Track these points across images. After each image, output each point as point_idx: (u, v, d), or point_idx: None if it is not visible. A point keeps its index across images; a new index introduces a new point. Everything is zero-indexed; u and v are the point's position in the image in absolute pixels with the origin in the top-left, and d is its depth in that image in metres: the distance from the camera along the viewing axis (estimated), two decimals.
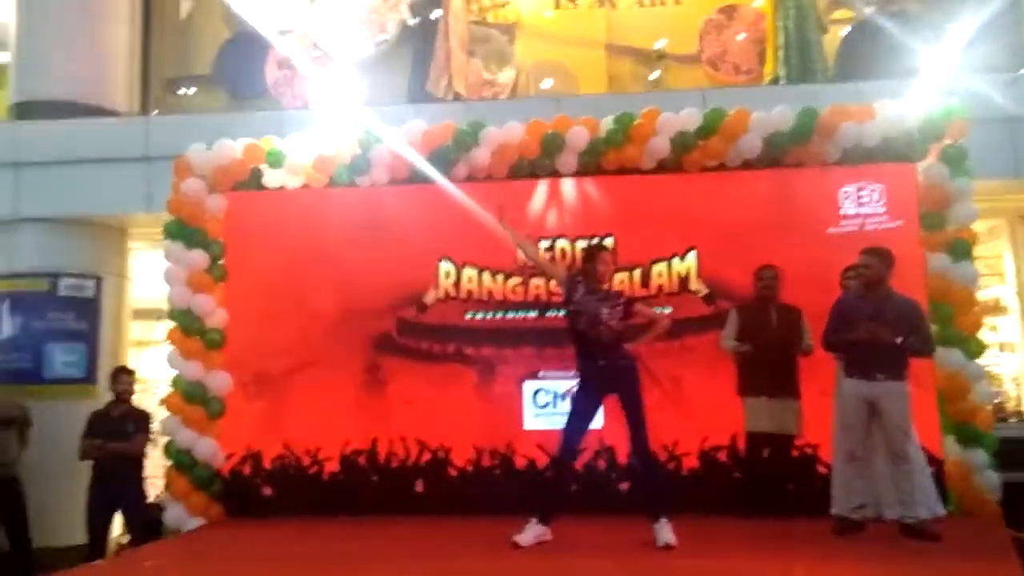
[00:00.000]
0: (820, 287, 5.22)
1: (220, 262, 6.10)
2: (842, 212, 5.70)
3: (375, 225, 6.03)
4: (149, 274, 7.29)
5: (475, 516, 5.31)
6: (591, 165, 5.93)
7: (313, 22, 8.69)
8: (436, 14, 8.12)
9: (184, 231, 6.06)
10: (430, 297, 5.94)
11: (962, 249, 5.51)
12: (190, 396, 5.85)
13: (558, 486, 4.69)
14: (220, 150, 6.10)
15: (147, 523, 5.91)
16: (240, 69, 8.74)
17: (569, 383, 4.84)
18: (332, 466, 5.83)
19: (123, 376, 6.13)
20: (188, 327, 5.94)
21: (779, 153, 5.77)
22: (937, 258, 5.51)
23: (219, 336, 5.97)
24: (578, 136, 5.84)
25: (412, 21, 8.48)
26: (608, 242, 5.73)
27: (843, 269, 5.17)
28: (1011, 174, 6.37)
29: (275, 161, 6.09)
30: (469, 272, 5.93)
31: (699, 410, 5.57)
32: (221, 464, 5.87)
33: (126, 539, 6.34)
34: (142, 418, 6.02)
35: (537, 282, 5.87)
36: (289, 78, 8.63)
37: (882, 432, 4.57)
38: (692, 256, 5.80)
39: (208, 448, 5.83)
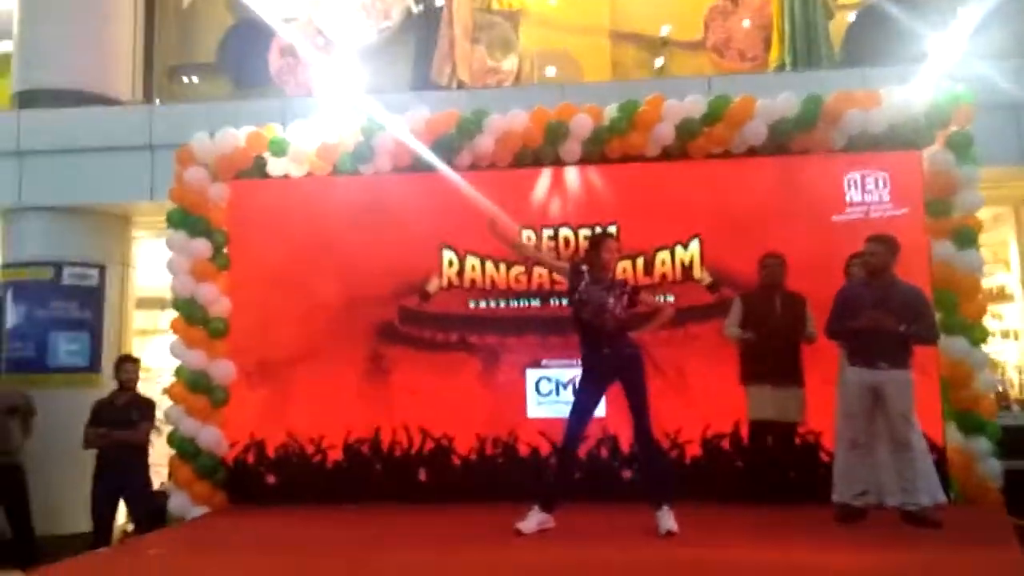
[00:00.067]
0: (825, 275, 5.20)
1: (223, 251, 6.10)
2: (847, 200, 5.68)
3: (378, 213, 6.01)
4: (152, 263, 7.31)
5: (478, 504, 5.32)
6: (595, 153, 5.91)
7: (316, 9, 8.65)
8: (440, 1, 8.08)
9: (187, 220, 6.06)
10: (433, 286, 5.94)
11: (967, 237, 5.49)
12: (194, 385, 5.87)
13: (561, 474, 4.70)
14: (223, 139, 6.09)
15: (151, 511, 5.94)
16: (243, 57, 8.72)
17: (572, 371, 4.83)
18: (336, 454, 5.85)
19: (127, 365, 6.14)
20: (191, 316, 5.95)
21: (784, 140, 5.74)
22: (942, 245, 5.49)
23: (222, 325, 5.98)
24: (582, 124, 5.81)
25: (416, 8, 8.44)
26: (612, 230, 5.72)
27: (848, 257, 5.15)
28: (1017, 161, 6.33)
29: (278, 149, 6.07)
30: (472, 261, 5.93)
31: (702, 398, 5.57)
32: (225, 452, 5.89)
33: (130, 527, 6.37)
34: (146, 406, 6.04)
35: (540, 271, 5.84)
36: (292, 66, 8.61)
37: (885, 420, 4.57)
38: (696, 244, 5.79)
39: (212, 437, 5.85)
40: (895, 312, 4.53)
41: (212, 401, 5.89)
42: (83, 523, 6.04)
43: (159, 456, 6.22)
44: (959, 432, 5.33)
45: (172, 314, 6.08)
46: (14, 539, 6.03)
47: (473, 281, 5.92)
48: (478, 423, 5.77)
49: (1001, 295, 7.58)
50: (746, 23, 8.39)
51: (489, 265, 5.91)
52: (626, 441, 5.46)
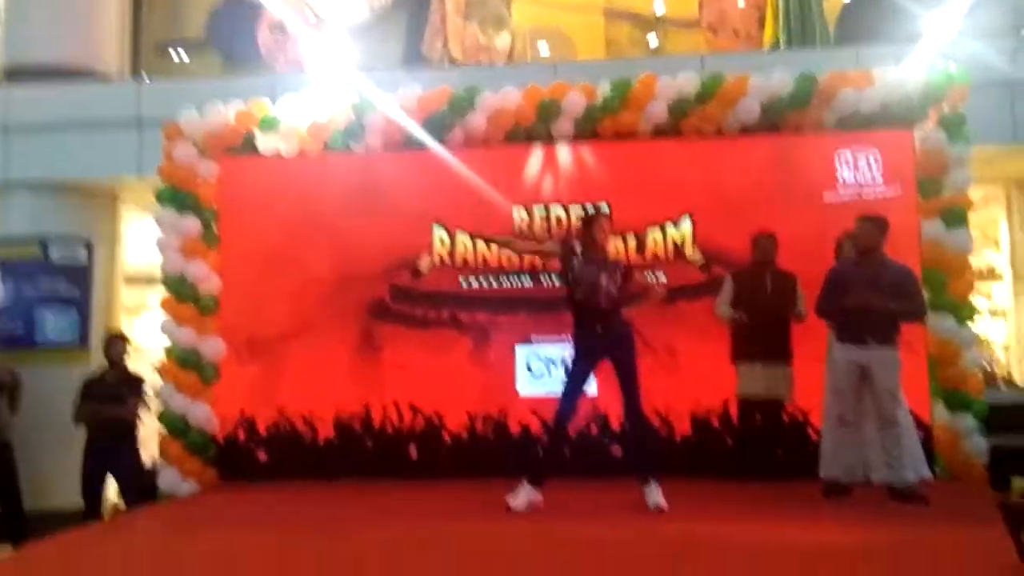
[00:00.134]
0: (816, 253, 5.22)
1: (213, 228, 6.07)
2: (839, 179, 5.68)
3: (369, 191, 5.99)
4: (141, 240, 7.26)
5: (468, 481, 5.35)
6: (587, 131, 5.88)
7: None
8: None
9: (176, 197, 6.02)
10: (424, 263, 5.93)
11: (957, 216, 5.50)
12: (184, 362, 5.86)
13: (552, 450, 4.72)
14: (212, 115, 6.04)
15: (142, 488, 5.95)
16: (232, 33, 8.62)
17: (562, 349, 4.84)
18: (326, 431, 5.86)
19: (116, 342, 6.13)
20: (181, 293, 5.93)
21: (777, 119, 5.73)
22: (932, 224, 5.50)
23: (212, 302, 5.96)
24: (575, 102, 5.78)
25: None
26: (604, 208, 5.71)
27: (838, 236, 5.16)
28: (1009, 140, 6.34)
29: (267, 126, 6.02)
30: (463, 238, 5.92)
31: (692, 376, 5.60)
32: (215, 429, 5.90)
33: (121, 504, 6.38)
34: (136, 383, 6.04)
35: None
36: (282, 42, 8.52)
37: (872, 397, 4.60)
38: (687, 222, 5.79)
39: (202, 414, 5.85)
40: (884, 291, 4.55)
41: (202, 378, 5.89)
42: (72, 499, 6.05)
43: (149, 433, 6.22)
44: (946, 409, 5.38)
45: (161, 291, 6.05)
46: (3, 515, 6.03)
47: (464, 259, 5.92)
48: (469, 400, 5.78)
49: (990, 274, 7.62)
50: (740, 2, 8.34)
51: (480, 243, 5.90)
52: (616, 419, 5.50)
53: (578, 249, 4.69)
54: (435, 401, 5.79)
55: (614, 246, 5.64)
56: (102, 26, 7.75)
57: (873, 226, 4.68)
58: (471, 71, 7.34)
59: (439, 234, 5.93)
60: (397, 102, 5.91)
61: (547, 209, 5.89)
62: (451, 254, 5.93)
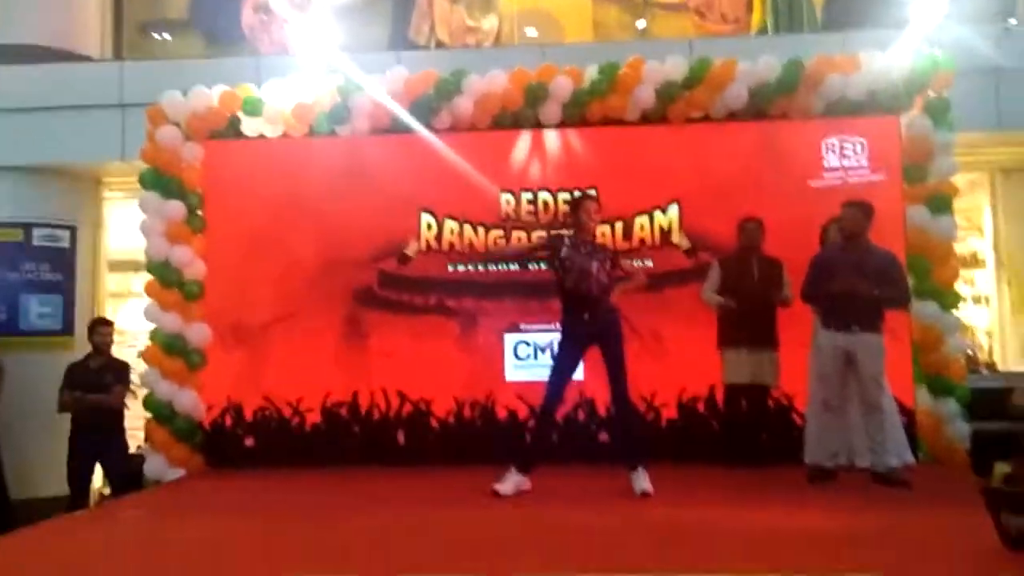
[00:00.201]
0: (802, 239, 5.23)
1: (198, 212, 6.02)
2: (825, 165, 5.70)
3: (356, 175, 5.95)
4: (125, 224, 7.19)
5: (456, 467, 5.36)
6: (575, 115, 5.86)
7: None
8: None
9: (160, 181, 5.95)
10: (412, 249, 5.90)
11: (942, 202, 5.53)
12: (169, 348, 5.82)
13: (539, 436, 4.74)
14: (196, 98, 5.96)
15: (128, 475, 5.93)
16: (216, 13, 8.50)
17: (550, 335, 4.85)
18: (313, 417, 5.85)
19: (101, 328, 6.09)
20: (166, 279, 5.88)
21: (764, 104, 5.73)
22: (917, 211, 5.53)
23: (197, 288, 5.92)
24: (562, 86, 5.75)
25: None
26: (592, 194, 5.69)
27: (824, 222, 5.18)
28: (994, 126, 6.37)
29: (252, 109, 5.96)
30: (451, 224, 5.89)
31: (679, 362, 5.62)
32: (202, 416, 5.87)
33: (107, 491, 6.36)
34: (121, 370, 6.00)
35: (519, 234, 5.84)
36: (266, 23, 8.40)
37: (856, 382, 4.64)
38: (674, 208, 5.79)
39: (188, 400, 5.82)
40: (869, 277, 4.57)
41: (188, 364, 5.85)
42: (57, 487, 6.02)
43: (135, 419, 6.19)
44: (929, 395, 5.43)
45: (146, 277, 6.00)
46: None
47: (452, 244, 5.90)
48: (456, 386, 5.78)
49: (973, 261, 7.68)
50: None
51: (468, 228, 5.88)
52: (603, 404, 5.52)
53: (567, 236, 4.68)
54: (422, 387, 5.78)
55: (601, 232, 5.64)
56: (83, 7, 7.63)
57: (859, 211, 4.70)
58: (458, 54, 7.28)
59: (426, 219, 5.91)
60: (383, 85, 5.86)
61: (534, 194, 5.88)
62: (438, 239, 5.91)
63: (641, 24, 8.66)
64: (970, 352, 6.92)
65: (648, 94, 5.72)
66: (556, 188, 5.86)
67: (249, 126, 6.03)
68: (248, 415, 5.88)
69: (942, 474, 5.03)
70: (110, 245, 7.69)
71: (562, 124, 5.89)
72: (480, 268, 5.88)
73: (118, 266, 7.85)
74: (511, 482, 4.50)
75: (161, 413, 5.81)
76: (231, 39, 8.40)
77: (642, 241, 5.80)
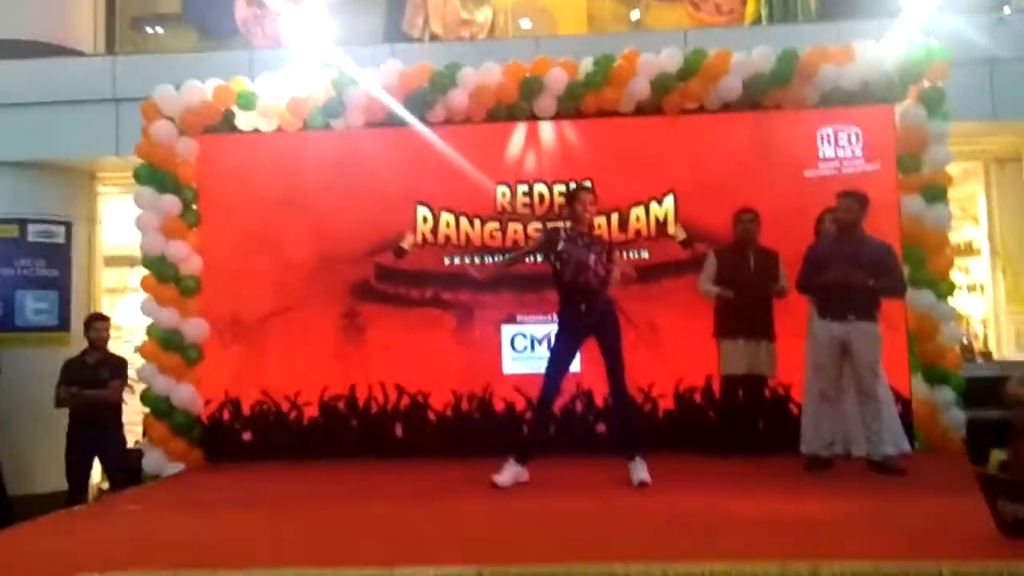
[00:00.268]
0: (797, 229, 5.25)
1: (193, 207, 6.00)
2: (820, 155, 5.71)
3: (351, 169, 5.94)
4: (120, 219, 7.17)
5: (454, 459, 5.37)
6: (570, 108, 5.85)
7: None
8: None
9: (155, 176, 5.93)
10: (408, 242, 5.90)
11: (937, 192, 5.55)
12: (166, 343, 5.82)
13: (537, 427, 4.75)
14: (189, 92, 5.94)
15: (126, 469, 5.93)
16: (209, 7, 8.46)
17: (547, 327, 4.85)
18: (311, 412, 5.85)
19: (98, 323, 6.07)
20: (162, 274, 5.87)
21: (759, 95, 5.73)
22: (912, 200, 5.55)
23: (193, 283, 5.91)
24: (557, 79, 5.75)
25: None
26: (586, 183, 5.69)
27: (819, 213, 5.19)
28: (988, 115, 6.38)
29: (246, 103, 5.94)
30: (447, 217, 5.89)
31: (675, 352, 5.64)
32: (200, 410, 5.87)
33: (106, 485, 6.36)
34: (118, 365, 5.99)
35: (515, 227, 5.85)
36: (260, 16, 8.37)
37: (852, 371, 4.66)
38: (670, 200, 5.80)
39: (186, 395, 5.82)
40: (864, 267, 4.59)
41: (185, 359, 5.85)
42: (54, 483, 6.02)
43: (132, 415, 6.19)
44: (924, 383, 5.46)
45: (141, 272, 5.99)
46: None
47: (448, 237, 5.90)
48: (454, 379, 5.79)
49: (968, 249, 7.71)
50: None
51: (464, 221, 5.88)
52: (600, 396, 5.53)
53: (563, 229, 4.68)
54: (420, 380, 5.79)
55: (597, 224, 5.64)
56: (76, 2, 7.59)
57: (854, 202, 4.71)
58: (452, 47, 7.26)
59: (422, 212, 5.90)
60: (378, 78, 5.85)
61: (530, 186, 5.88)
62: (434, 232, 5.91)
63: (635, 16, 8.64)
64: (965, 341, 6.96)
65: (643, 86, 5.72)
66: (552, 180, 5.86)
67: (243, 120, 6.01)
68: (246, 409, 5.88)
69: (938, 462, 5.05)
70: (105, 240, 7.67)
71: (557, 116, 5.88)
72: (477, 261, 5.87)
73: (114, 261, 7.83)
74: (509, 473, 4.51)
75: (159, 408, 5.81)
76: (224, 32, 8.37)
77: (638, 232, 5.80)
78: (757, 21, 7.50)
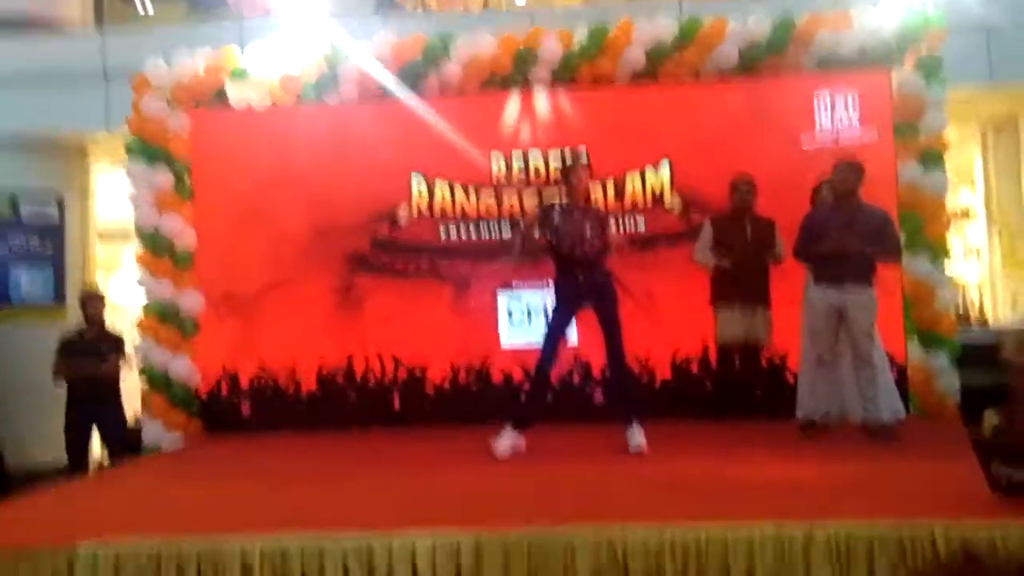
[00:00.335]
0: (794, 197, 5.23)
1: (186, 181, 5.97)
2: (817, 123, 5.68)
3: (345, 142, 5.91)
4: (113, 195, 7.14)
5: (452, 430, 5.40)
6: (565, 79, 5.81)
7: None
8: None
9: (146, 150, 5.90)
10: (403, 214, 5.88)
11: (934, 158, 5.53)
12: (162, 316, 5.82)
13: (535, 395, 4.77)
14: (181, 66, 5.89)
15: (126, 442, 5.94)
16: None
17: (543, 296, 4.85)
18: (309, 384, 5.87)
19: (93, 299, 6.05)
20: (156, 247, 5.85)
21: (755, 64, 5.69)
22: (908, 167, 5.53)
23: (188, 256, 5.90)
24: (551, 51, 5.69)
25: None
26: (582, 151, 5.64)
27: (816, 182, 5.17)
28: (984, 80, 6.34)
29: (238, 78, 5.88)
30: (442, 188, 5.87)
31: (672, 322, 5.64)
32: (198, 384, 5.88)
33: (105, 459, 6.38)
34: (115, 340, 5.98)
35: (511, 200, 5.83)
36: None
37: (848, 337, 4.67)
38: (666, 168, 5.77)
39: (184, 367, 5.83)
40: (860, 235, 4.58)
41: (182, 332, 5.86)
42: (52, 456, 6.03)
43: (131, 389, 6.19)
44: (920, 349, 5.48)
45: (136, 247, 5.97)
46: None
47: (443, 209, 5.88)
48: (451, 350, 5.80)
49: (965, 215, 7.71)
50: None
51: (459, 192, 5.86)
52: (598, 366, 5.54)
53: (557, 205, 4.68)
54: (417, 352, 5.80)
55: (593, 194, 5.63)
56: None
57: (850, 170, 4.68)
58: (446, 18, 7.19)
59: (417, 184, 5.88)
60: (370, 51, 5.79)
61: (525, 157, 5.85)
62: (429, 204, 5.89)
63: None
64: (960, 306, 6.98)
65: (638, 55, 5.67)
66: (547, 149, 5.83)
67: (235, 94, 5.95)
68: (244, 383, 5.90)
69: (932, 426, 5.09)
70: (99, 216, 7.63)
71: (552, 85, 5.83)
72: (472, 231, 5.86)
73: (108, 237, 7.80)
74: (507, 440, 4.54)
75: (157, 381, 5.82)
76: (213, 3, 8.26)
77: (634, 202, 5.78)
78: None
